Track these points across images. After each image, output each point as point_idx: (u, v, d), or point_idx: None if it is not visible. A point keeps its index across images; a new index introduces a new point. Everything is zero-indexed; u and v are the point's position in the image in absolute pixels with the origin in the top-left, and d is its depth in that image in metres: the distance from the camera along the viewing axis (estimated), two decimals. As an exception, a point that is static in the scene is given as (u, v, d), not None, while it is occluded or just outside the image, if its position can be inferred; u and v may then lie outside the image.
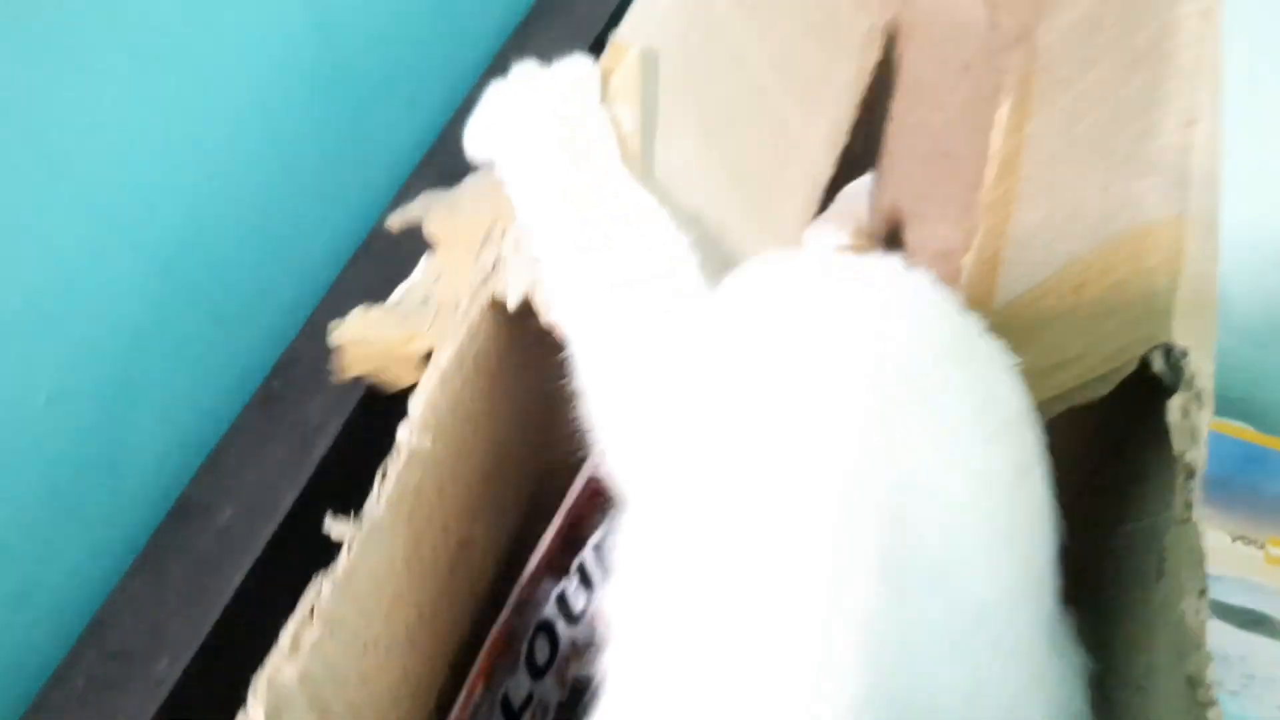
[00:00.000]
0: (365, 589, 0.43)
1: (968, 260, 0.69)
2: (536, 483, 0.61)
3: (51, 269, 0.50)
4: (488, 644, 0.54)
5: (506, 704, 0.55)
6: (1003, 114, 0.73)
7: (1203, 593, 0.40)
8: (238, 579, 0.54)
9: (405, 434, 0.44)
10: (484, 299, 0.48)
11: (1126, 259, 0.52)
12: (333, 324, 0.50)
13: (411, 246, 0.52)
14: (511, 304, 0.48)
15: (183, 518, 0.56)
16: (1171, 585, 0.42)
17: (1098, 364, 0.48)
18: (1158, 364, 0.46)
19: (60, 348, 0.51)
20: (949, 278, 0.76)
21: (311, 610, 0.40)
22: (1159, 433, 0.45)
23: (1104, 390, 0.48)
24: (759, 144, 0.64)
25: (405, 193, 0.70)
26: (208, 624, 0.53)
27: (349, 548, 0.41)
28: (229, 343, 0.61)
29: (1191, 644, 0.39)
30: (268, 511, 0.56)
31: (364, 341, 0.50)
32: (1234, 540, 0.86)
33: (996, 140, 0.72)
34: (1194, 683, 0.38)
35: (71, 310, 0.51)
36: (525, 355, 0.53)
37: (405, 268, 0.65)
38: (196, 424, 0.59)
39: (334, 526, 0.42)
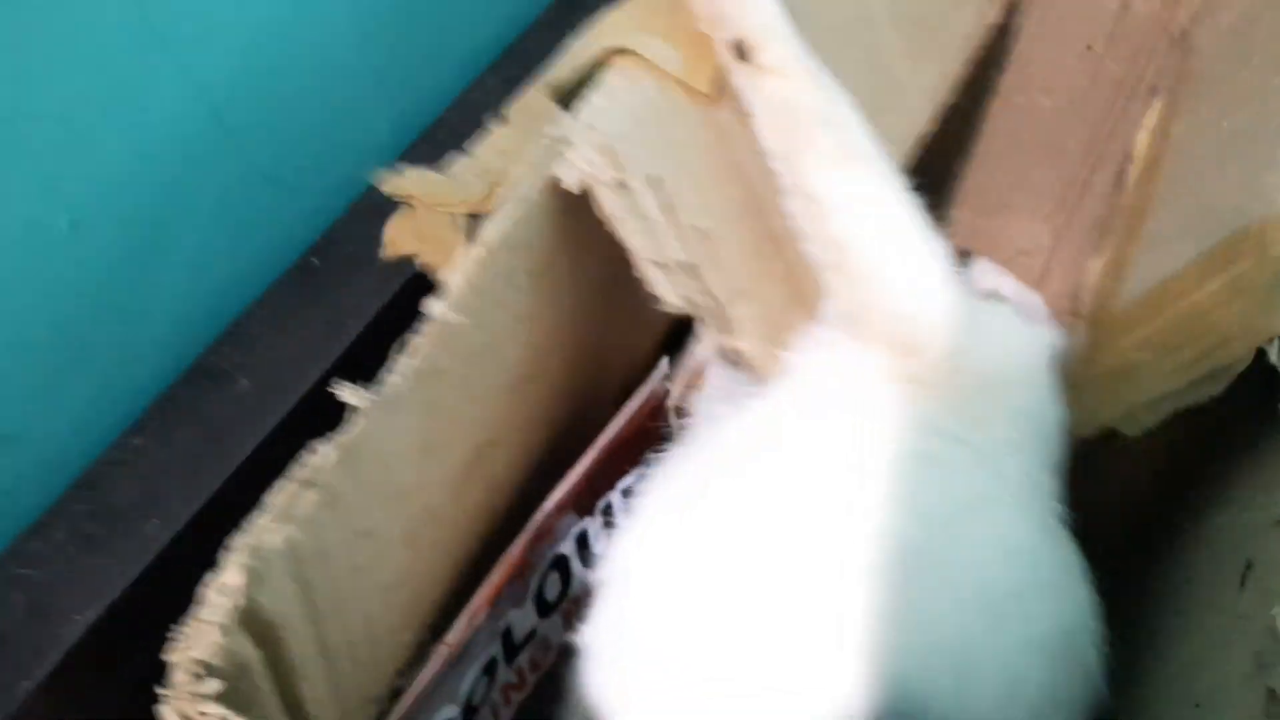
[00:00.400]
0: (371, 469, 0.39)
1: (1094, 265, 0.64)
2: (572, 405, 0.57)
3: (88, 78, 0.46)
4: (499, 569, 0.50)
5: (508, 635, 0.51)
6: (1152, 116, 0.67)
7: None
8: (245, 452, 0.51)
9: (438, 308, 0.40)
10: (543, 177, 0.44)
11: (1251, 249, 0.47)
12: (383, 173, 0.46)
13: (472, 136, 0.49)
14: (572, 186, 0.44)
15: (197, 381, 0.53)
16: (1260, 594, 0.37)
17: (1213, 355, 0.44)
18: (1274, 355, 0.41)
19: (91, 170, 0.47)
20: (1031, 280, 0.71)
21: (310, 475, 0.36)
22: (1270, 429, 0.41)
23: (1217, 389, 0.44)
24: (857, 82, 0.59)
25: (477, 87, 0.66)
26: (207, 492, 0.49)
27: (359, 417, 0.37)
28: (274, 206, 0.57)
29: (1277, 655, 0.34)
30: (287, 387, 0.52)
31: (414, 201, 0.46)
32: None
33: (1143, 142, 0.66)
34: (1277, 697, 0.34)
35: (106, 130, 0.48)
36: (578, 256, 0.49)
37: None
38: (226, 284, 0.55)
39: (345, 391, 0.38)
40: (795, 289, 0.51)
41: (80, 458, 0.50)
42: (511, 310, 0.46)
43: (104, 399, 0.52)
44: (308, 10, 0.56)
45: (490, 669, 0.51)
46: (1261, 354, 0.42)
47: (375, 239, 0.49)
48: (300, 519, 0.36)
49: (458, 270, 0.41)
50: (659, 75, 0.47)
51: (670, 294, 0.46)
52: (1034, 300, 0.60)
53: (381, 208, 0.59)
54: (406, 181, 0.46)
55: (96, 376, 0.51)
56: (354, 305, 0.56)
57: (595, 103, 0.45)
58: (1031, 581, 0.42)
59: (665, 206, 0.46)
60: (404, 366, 0.39)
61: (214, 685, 0.32)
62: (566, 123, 0.44)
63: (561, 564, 0.54)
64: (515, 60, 0.68)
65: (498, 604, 0.50)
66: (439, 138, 0.64)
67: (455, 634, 0.48)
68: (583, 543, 0.55)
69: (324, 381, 0.51)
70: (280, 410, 0.52)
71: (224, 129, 0.53)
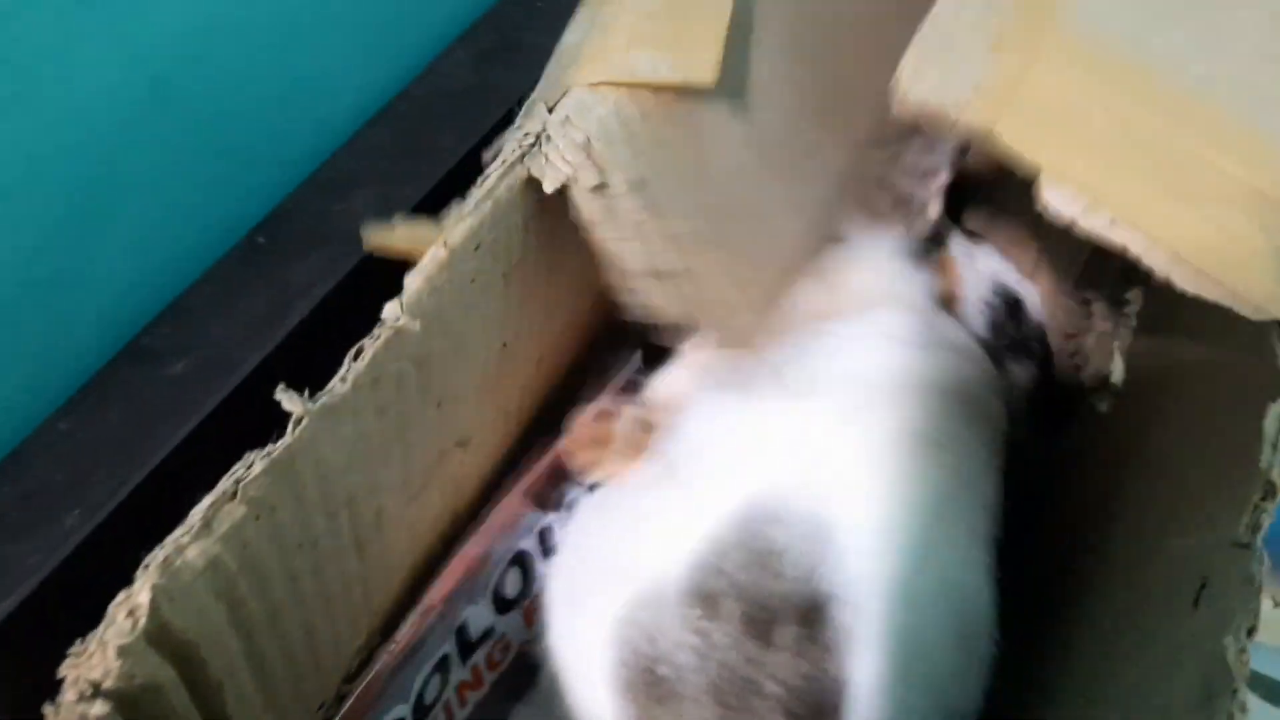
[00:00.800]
0: (311, 479, 0.37)
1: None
2: (544, 402, 0.55)
3: (12, 41, 0.43)
4: (451, 566, 0.48)
5: (463, 632, 0.50)
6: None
7: (1252, 631, 0.33)
8: (177, 439, 0.48)
9: (391, 311, 0.38)
10: (517, 176, 0.41)
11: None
12: (371, 229, 0.43)
13: (439, 111, 0.46)
14: (549, 185, 0.41)
15: (131, 362, 0.50)
16: (1212, 617, 0.35)
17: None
18: (1277, 347, 0.38)
19: (18, 139, 0.44)
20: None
21: (236, 488, 0.34)
22: (1241, 437, 0.38)
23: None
24: (857, 64, 0.56)
25: (445, 59, 0.63)
26: (133, 482, 0.46)
27: (294, 426, 0.35)
28: (220, 180, 0.54)
29: (1225, 684, 0.33)
30: (225, 371, 0.49)
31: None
32: (1276, 605, 0.78)
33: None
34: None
35: (34, 98, 0.44)
36: (554, 256, 0.47)
37: (428, 136, 0.58)
38: (166, 261, 0.52)
39: (286, 398, 0.35)
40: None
41: (3, 440, 0.47)
42: (481, 312, 0.44)
43: (31, 379, 0.48)
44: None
45: (443, 666, 0.49)
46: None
47: (329, 216, 0.47)
48: (225, 535, 0.33)
49: (418, 271, 0.39)
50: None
51: (659, 304, 0.44)
52: (1032, 290, 0.59)
53: (337, 183, 0.56)
54: (397, 237, 0.42)
55: (24, 356, 0.48)
56: (302, 286, 0.53)
57: (576, 98, 0.42)
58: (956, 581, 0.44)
59: (651, 211, 0.44)
60: (351, 373, 0.36)
61: (101, 709, 0.30)
62: (544, 118, 0.42)
63: (522, 560, 0.52)
64: (486, 32, 0.65)
65: (452, 600, 0.48)
66: (402, 111, 0.60)
67: (405, 631, 0.46)
68: (545, 538, 0.53)
69: (265, 366, 0.49)
70: (217, 395, 0.49)
71: (163, 97, 0.49)
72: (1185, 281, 0.38)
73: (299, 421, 0.35)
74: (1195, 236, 0.39)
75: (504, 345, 0.47)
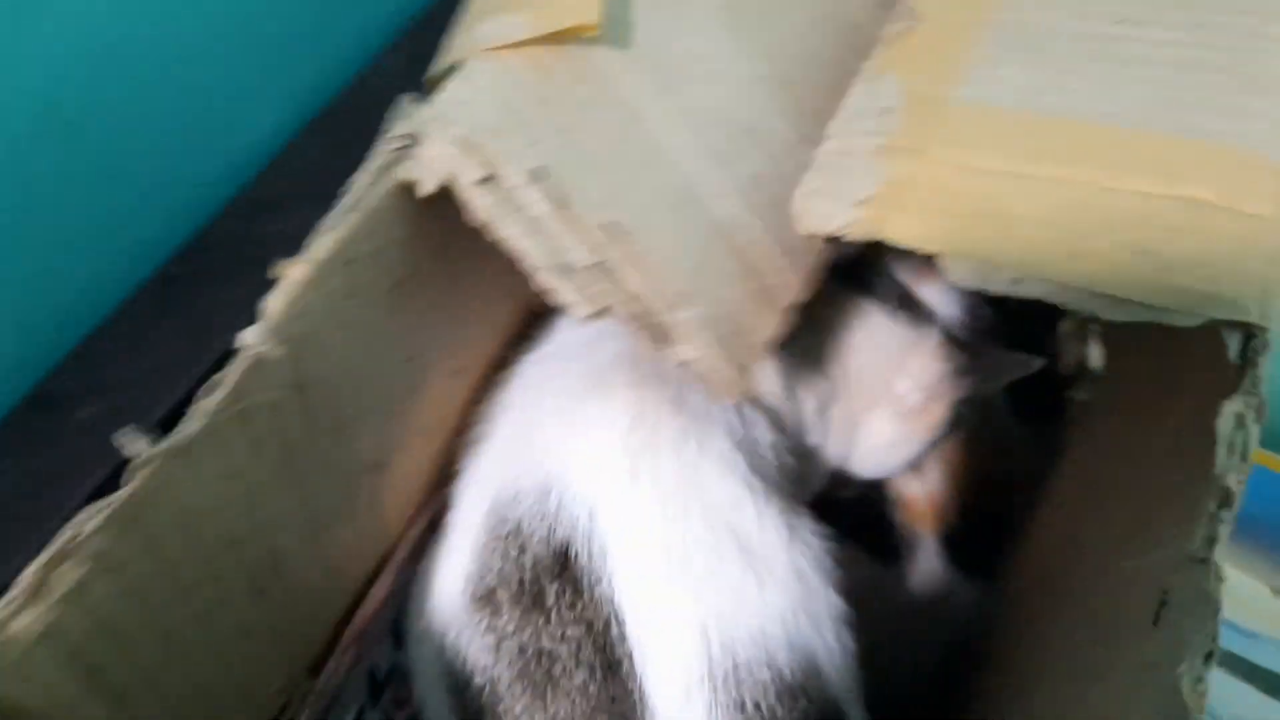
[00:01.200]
0: (167, 526, 0.34)
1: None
2: (473, 414, 0.52)
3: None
4: (365, 603, 0.45)
5: (373, 677, 0.47)
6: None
7: (1209, 657, 0.30)
8: (86, 490, 0.45)
9: (252, 337, 0.35)
10: (388, 183, 0.38)
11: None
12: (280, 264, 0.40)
13: (372, 122, 0.43)
14: (425, 188, 0.38)
15: (36, 410, 0.48)
16: (1171, 640, 0.32)
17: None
18: (1232, 348, 0.36)
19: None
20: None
21: (73, 544, 0.31)
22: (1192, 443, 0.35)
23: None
24: (810, 31, 0.52)
25: (377, 66, 0.60)
26: (39, 541, 0.44)
27: (135, 473, 0.32)
28: (128, 209, 0.51)
29: None
30: (139, 416, 0.46)
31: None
32: (1275, 593, 0.72)
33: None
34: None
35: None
36: (458, 263, 0.44)
37: (361, 149, 0.56)
38: (71, 299, 0.50)
39: (127, 441, 0.32)
40: (757, 285, 0.45)
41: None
42: (367, 329, 0.41)
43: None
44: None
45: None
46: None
47: (252, 241, 0.44)
48: (65, 597, 0.31)
49: (278, 293, 0.36)
50: (534, 52, 0.41)
51: (578, 302, 0.41)
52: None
53: (262, 205, 0.53)
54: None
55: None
56: (222, 320, 0.49)
57: (452, 92, 0.39)
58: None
59: (557, 201, 0.40)
60: (202, 409, 0.34)
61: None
62: (417, 117, 0.39)
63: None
64: (419, 37, 0.61)
65: (364, 640, 0.47)
66: (332, 124, 0.58)
67: (324, 676, 0.44)
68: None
69: (183, 409, 0.46)
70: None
71: (56, 124, 0.46)
72: (1107, 313, 0.37)
73: (142, 467, 0.32)
74: (1108, 267, 0.37)
75: (408, 361, 0.44)
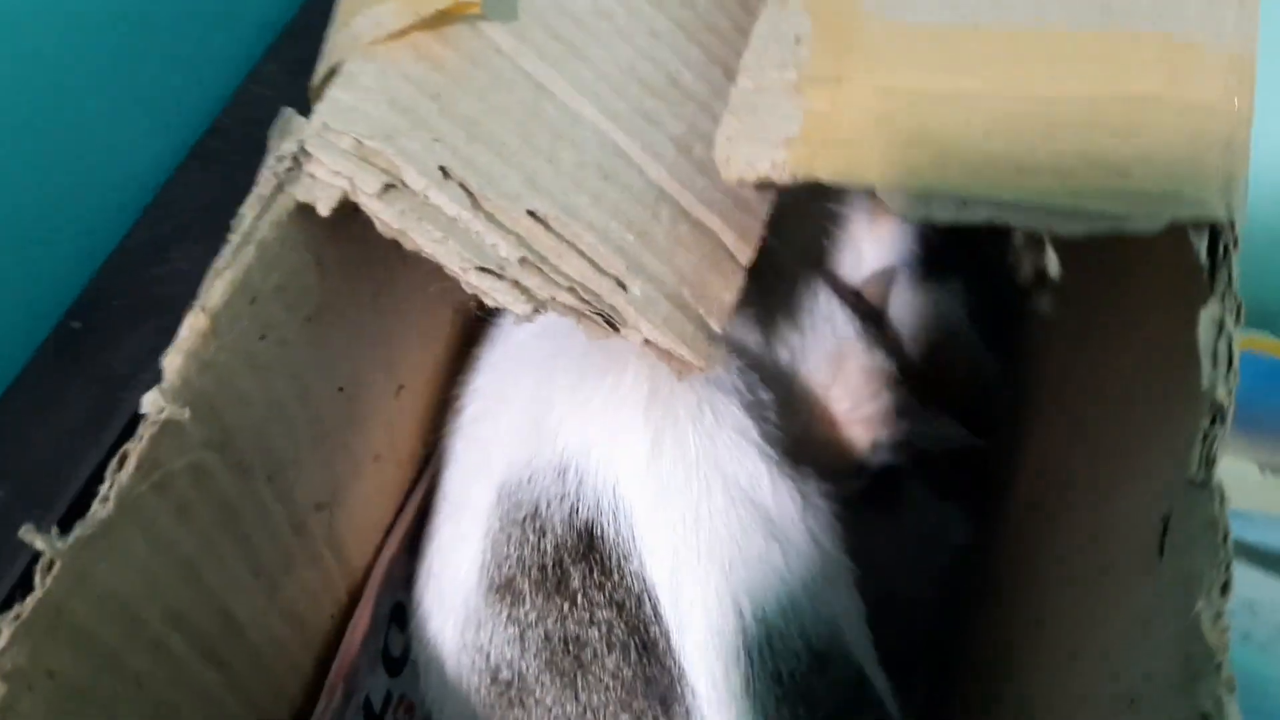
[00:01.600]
0: (94, 620, 0.31)
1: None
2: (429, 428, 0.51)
3: None
4: (346, 639, 0.44)
5: (368, 707, 0.46)
6: None
7: (1226, 588, 0.28)
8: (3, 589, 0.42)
9: (153, 404, 0.32)
10: (282, 209, 0.35)
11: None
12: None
13: (258, 139, 0.39)
14: (325, 207, 0.35)
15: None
16: (1180, 572, 0.30)
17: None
18: (1200, 249, 0.33)
19: None
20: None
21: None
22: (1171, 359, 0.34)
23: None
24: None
25: (254, 79, 0.56)
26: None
27: (44, 575, 0.29)
28: (14, 268, 0.47)
29: (1207, 663, 0.28)
30: (50, 493, 0.43)
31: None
32: (1263, 471, 0.72)
33: None
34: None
35: None
36: (377, 280, 0.41)
37: (250, 171, 0.52)
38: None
39: (40, 540, 0.29)
40: (712, 244, 0.43)
41: None
42: (288, 368, 0.38)
43: None
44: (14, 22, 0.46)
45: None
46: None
47: (151, 284, 0.40)
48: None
49: (176, 349, 0.32)
50: (419, 40, 0.38)
51: (515, 301, 0.38)
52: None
53: (155, 244, 0.50)
54: None
55: None
56: (129, 374, 0.46)
57: (335, 99, 0.36)
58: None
59: (472, 198, 0.37)
60: (115, 489, 0.30)
61: None
62: (302, 132, 0.35)
63: (399, 613, 0.49)
64: (294, 41, 0.58)
65: (351, 676, 0.45)
66: (216, 148, 0.54)
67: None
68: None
69: (98, 479, 0.43)
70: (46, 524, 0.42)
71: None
72: (1063, 228, 0.34)
73: (49, 567, 0.29)
74: (1058, 178, 0.35)
75: (340, 390, 0.41)
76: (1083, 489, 0.42)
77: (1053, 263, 0.56)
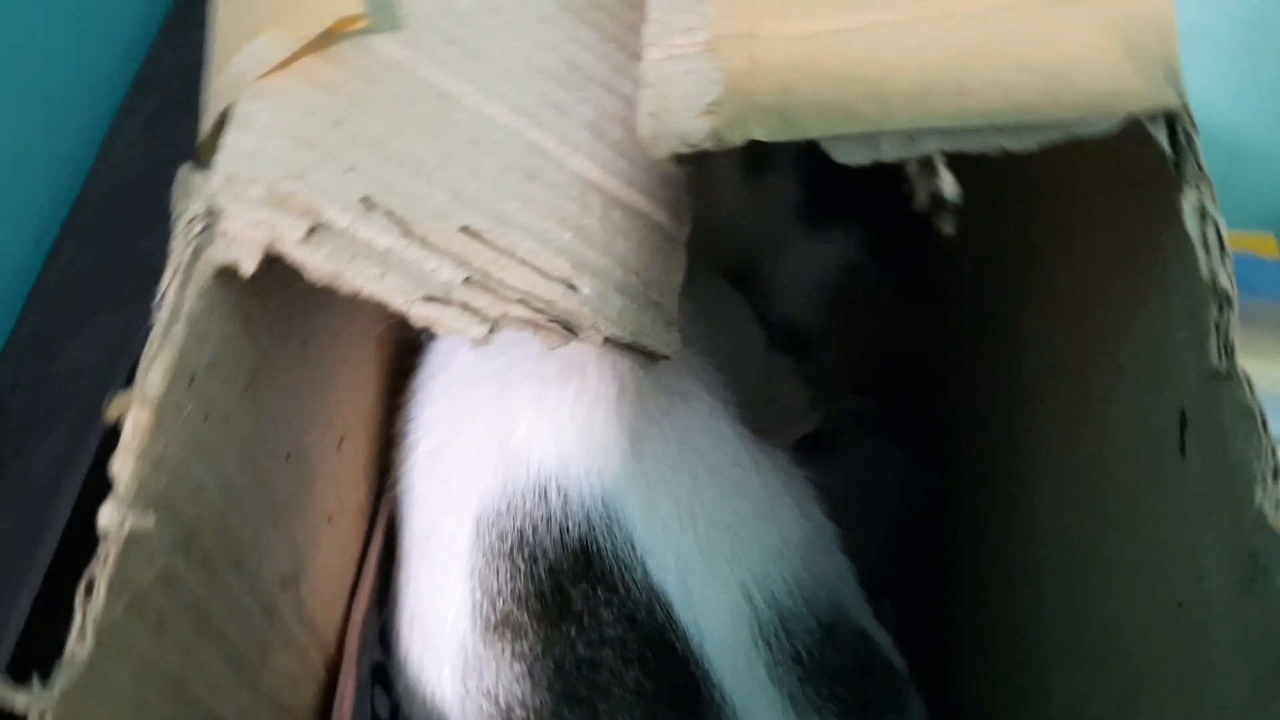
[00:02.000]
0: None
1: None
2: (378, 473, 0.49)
3: None
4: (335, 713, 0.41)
5: None
6: None
7: (1277, 474, 0.27)
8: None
9: (111, 519, 0.28)
10: (204, 276, 0.32)
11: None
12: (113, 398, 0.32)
13: (131, 204, 0.36)
14: (249, 264, 0.32)
15: None
16: (1218, 466, 0.29)
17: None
18: (1162, 140, 0.32)
19: None
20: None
21: None
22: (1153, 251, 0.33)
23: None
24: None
25: (112, 142, 0.52)
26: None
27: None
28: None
29: (1275, 553, 0.27)
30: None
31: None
32: None
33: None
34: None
35: None
36: (303, 331, 0.38)
37: (131, 240, 0.48)
38: None
39: (18, 698, 0.26)
40: (648, 227, 0.40)
41: None
42: (233, 445, 0.35)
43: None
44: None
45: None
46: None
47: (50, 384, 0.37)
48: None
49: (123, 451, 0.29)
50: (307, 67, 0.35)
51: (467, 325, 0.35)
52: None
53: (43, 337, 0.46)
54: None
55: None
56: (47, 484, 0.42)
57: (233, 146, 0.33)
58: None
59: (401, 225, 0.34)
60: (90, 623, 0.27)
61: None
62: (206, 189, 0.32)
63: (380, 672, 0.47)
64: (146, 93, 0.53)
65: None
66: (87, 220, 0.50)
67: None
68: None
69: (38, 608, 0.39)
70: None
71: None
72: (1015, 144, 0.33)
73: (38, 724, 0.26)
74: (1001, 93, 0.34)
75: (288, 457, 0.38)
76: (1062, 406, 0.41)
77: (949, 185, 0.55)
